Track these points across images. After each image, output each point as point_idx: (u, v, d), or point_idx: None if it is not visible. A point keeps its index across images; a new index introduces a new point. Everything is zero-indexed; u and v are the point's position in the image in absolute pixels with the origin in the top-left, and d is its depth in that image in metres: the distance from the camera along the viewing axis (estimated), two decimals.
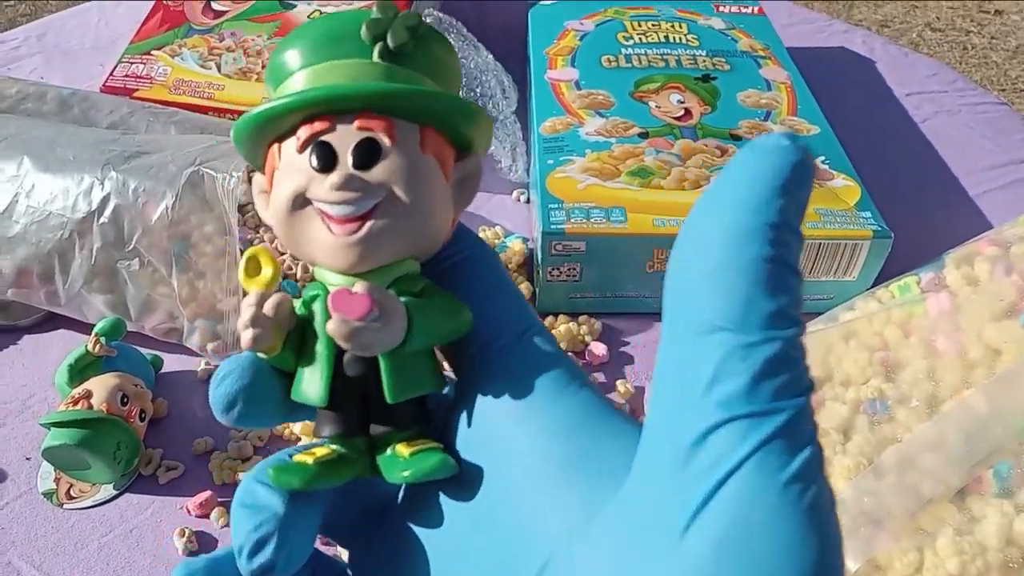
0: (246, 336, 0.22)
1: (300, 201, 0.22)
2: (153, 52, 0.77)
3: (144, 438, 0.55)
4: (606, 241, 0.57)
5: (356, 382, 0.22)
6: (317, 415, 0.24)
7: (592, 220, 0.58)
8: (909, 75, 0.91)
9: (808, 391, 0.17)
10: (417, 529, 0.23)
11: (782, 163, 0.18)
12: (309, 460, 0.22)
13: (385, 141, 0.22)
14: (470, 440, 0.23)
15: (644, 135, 0.65)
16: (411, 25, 0.22)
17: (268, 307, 0.22)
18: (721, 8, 0.85)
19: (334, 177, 0.22)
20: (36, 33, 0.99)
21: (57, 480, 0.54)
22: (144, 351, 0.59)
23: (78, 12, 1.03)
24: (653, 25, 0.81)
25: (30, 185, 0.59)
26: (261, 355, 0.23)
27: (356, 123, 0.22)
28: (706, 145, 0.64)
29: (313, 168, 0.22)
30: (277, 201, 0.23)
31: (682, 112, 0.68)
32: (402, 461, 0.22)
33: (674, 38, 0.79)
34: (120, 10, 1.02)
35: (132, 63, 0.77)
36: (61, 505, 0.53)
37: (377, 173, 0.22)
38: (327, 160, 0.22)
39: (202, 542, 0.51)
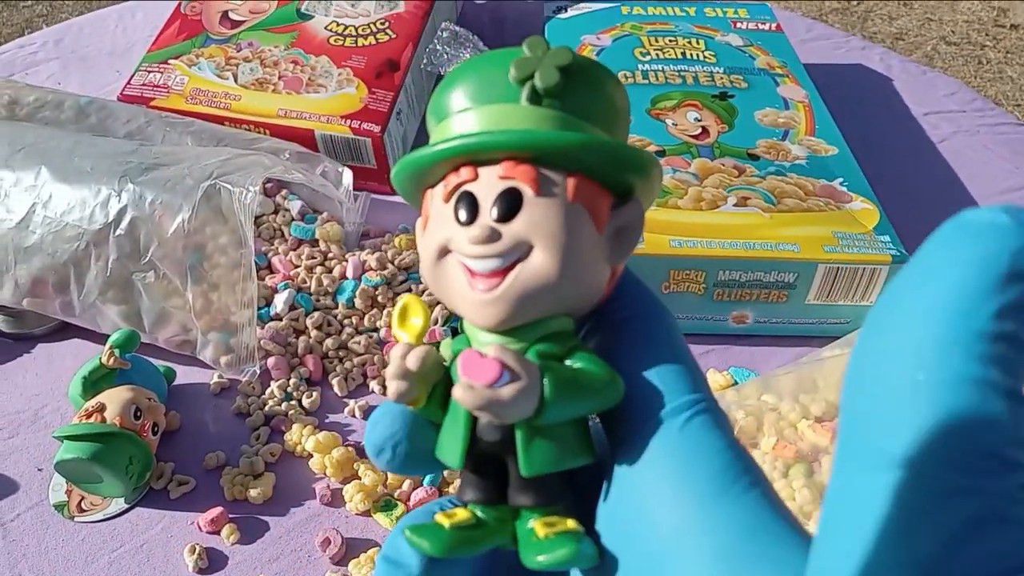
0: (391, 389, 0.21)
1: (444, 252, 0.22)
2: (170, 61, 0.77)
3: (156, 451, 0.54)
4: None
5: (494, 448, 0.21)
6: (461, 476, 0.23)
7: None
8: (927, 94, 0.91)
9: None
10: None
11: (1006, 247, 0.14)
12: (446, 523, 0.21)
13: (528, 191, 0.21)
14: (616, 530, 0.21)
15: (661, 153, 0.65)
16: (562, 64, 0.21)
17: (412, 360, 0.21)
18: (739, 25, 0.85)
19: (475, 230, 0.21)
20: (54, 39, 0.99)
21: (69, 492, 0.54)
22: (157, 363, 0.59)
23: (96, 18, 1.04)
24: (670, 41, 0.81)
25: (47, 195, 0.59)
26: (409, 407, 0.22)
27: (499, 172, 0.21)
28: (723, 164, 0.64)
29: (457, 220, 0.21)
30: (425, 251, 0.22)
31: (699, 130, 0.68)
32: (536, 543, 0.21)
33: (691, 54, 0.79)
34: (138, 16, 1.02)
35: (149, 72, 0.77)
36: (72, 518, 0.53)
37: (517, 226, 0.21)
38: (470, 211, 0.21)
39: (212, 559, 0.51)
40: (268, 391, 0.59)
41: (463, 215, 0.21)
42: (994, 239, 0.14)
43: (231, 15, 0.81)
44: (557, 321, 0.22)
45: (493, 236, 0.21)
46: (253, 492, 0.53)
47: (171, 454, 0.56)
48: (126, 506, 0.53)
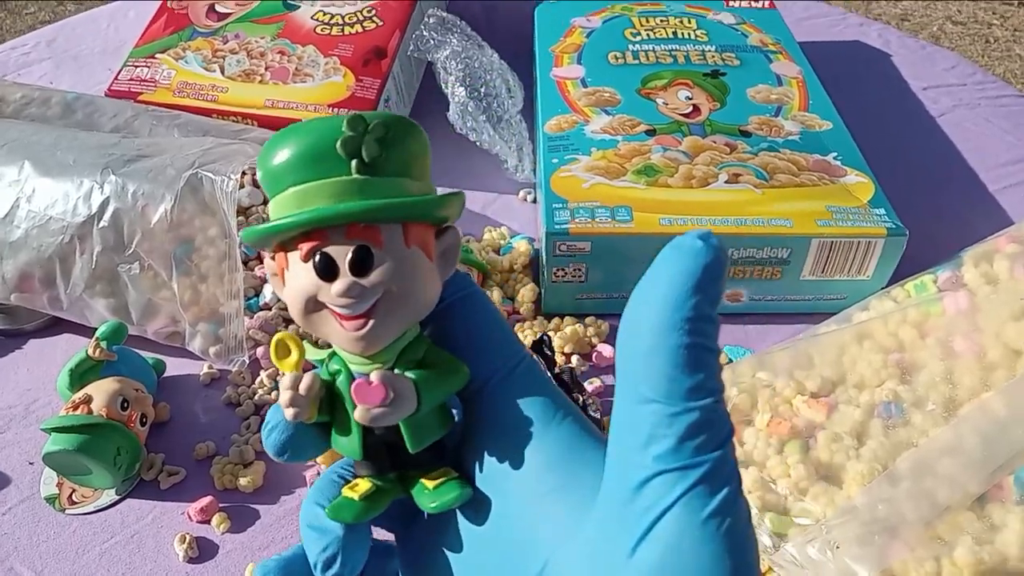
0: (288, 414, 0.26)
1: (312, 303, 0.26)
2: (157, 55, 0.77)
3: (145, 443, 0.54)
4: (611, 241, 0.56)
5: (383, 438, 0.27)
6: (355, 462, 0.29)
7: (597, 220, 0.56)
8: (926, 69, 0.89)
9: (726, 442, 0.22)
10: (440, 539, 0.29)
11: (696, 265, 0.21)
12: (355, 496, 0.27)
13: (374, 247, 0.25)
14: (478, 468, 0.28)
15: (651, 132, 0.64)
16: (380, 137, 0.25)
17: (303, 388, 0.26)
18: (731, 3, 0.84)
19: (338, 285, 0.25)
20: (46, 39, 0.99)
21: (59, 485, 0.54)
22: (147, 355, 0.59)
23: (88, 18, 1.04)
24: (661, 21, 0.80)
25: (31, 190, 0.58)
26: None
27: (346, 234, 0.25)
28: (715, 142, 0.63)
29: (319, 276, 0.25)
30: (292, 301, 0.26)
31: (690, 108, 0.67)
32: (428, 493, 0.27)
33: (683, 34, 0.78)
34: (131, 15, 1.02)
35: (136, 66, 0.77)
36: (63, 510, 0.52)
37: (373, 278, 0.25)
38: (328, 270, 0.25)
39: (203, 548, 0.50)
40: (258, 380, 0.59)
41: (323, 273, 0.25)
42: (692, 258, 0.21)
43: (217, 7, 0.81)
44: (410, 332, 0.27)
45: (354, 289, 0.25)
46: (243, 481, 0.52)
47: (161, 445, 0.56)
48: (117, 497, 0.53)
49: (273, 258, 0.27)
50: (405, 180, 0.25)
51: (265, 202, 0.70)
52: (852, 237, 0.56)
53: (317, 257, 0.25)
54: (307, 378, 0.26)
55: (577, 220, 0.56)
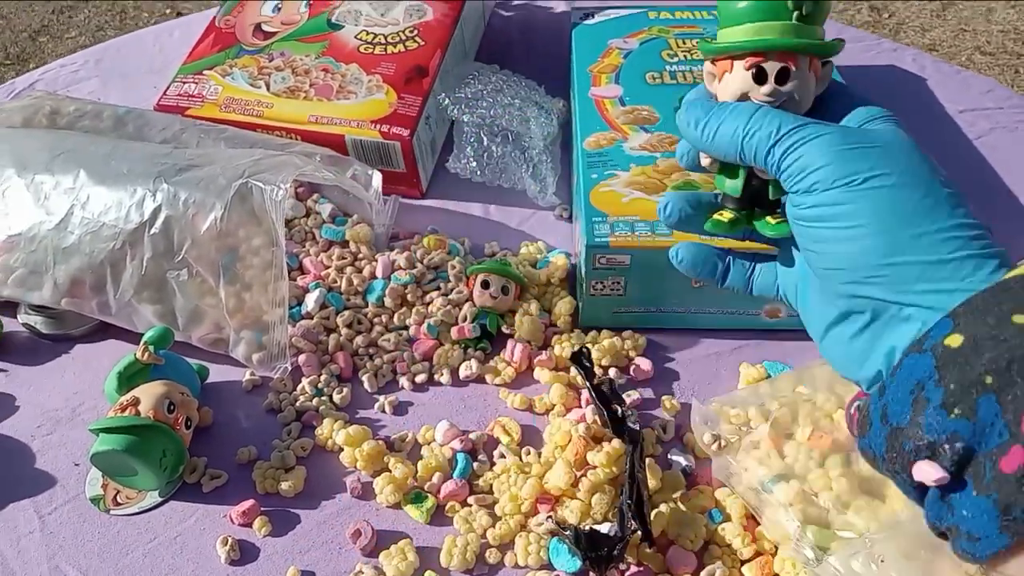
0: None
1: (741, 96, 0.37)
2: (205, 72, 0.79)
3: (189, 446, 0.55)
4: (651, 255, 0.56)
5: (756, 187, 0.38)
6: (727, 198, 0.40)
7: (637, 233, 0.57)
8: (962, 92, 0.89)
9: None
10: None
11: None
12: (725, 219, 0.39)
13: (792, 69, 0.36)
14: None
15: None
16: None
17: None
18: None
19: (766, 88, 0.36)
20: (94, 58, 1.01)
21: (104, 486, 0.55)
22: (191, 361, 0.60)
23: (134, 38, 1.06)
24: (698, 43, 0.81)
25: (85, 197, 0.60)
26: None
27: (778, 59, 0.36)
28: None
29: (753, 81, 0.36)
30: (726, 93, 0.37)
31: None
32: (770, 226, 0.38)
33: None
34: (175, 35, 1.05)
35: (184, 83, 0.78)
36: (108, 511, 0.53)
37: (787, 88, 0.36)
38: (761, 78, 0.36)
39: (244, 551, 0.51)
40: (299, 387, 0.60)
41: (758, 80, 0.36)
42: None
43: (264, 27, 0.83)
44: None
45: (775, 93, 0.36)
46: (284, 485, 0.53)
47: (204, 449, 0.56)
48: (160, 499, 0.54)
49: (714, 63, 0.38)
50: (818, 28, 0.36)
51: (307, 214, 0.71)
52: None
53: (755, 69, 0.36)
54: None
55: (617, 234, 0.57)
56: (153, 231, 0.58)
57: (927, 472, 0.28)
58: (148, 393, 0.53)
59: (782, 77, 0.36)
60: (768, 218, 0.39)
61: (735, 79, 0.37)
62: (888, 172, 0.33)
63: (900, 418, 0.29)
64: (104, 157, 0.62)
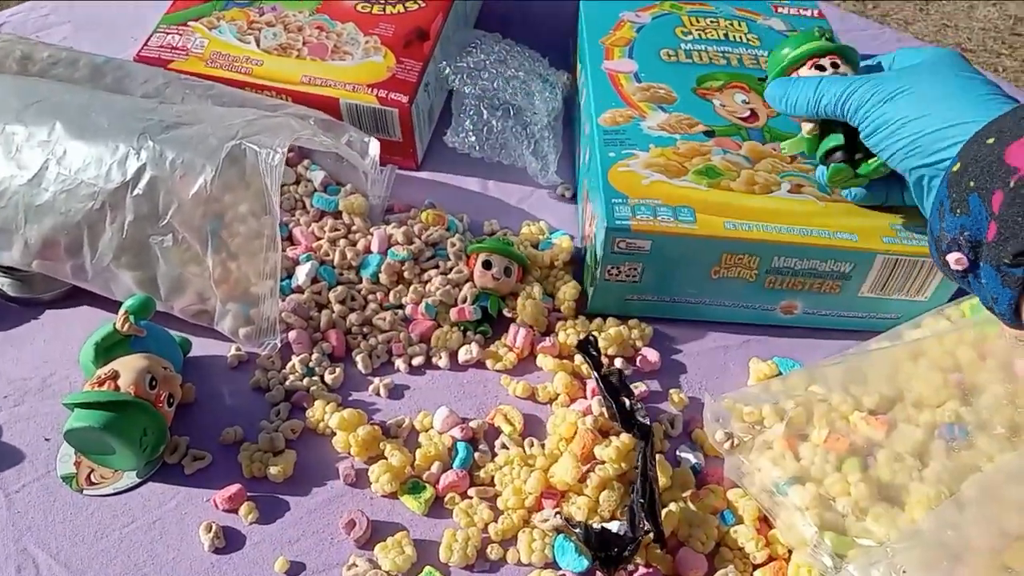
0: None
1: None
2: (190, 23, 0.74)
3: (171, 425, 0.51)
4: (674, 241, 0.54)
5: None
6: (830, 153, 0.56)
7: (659, 218, 0.54)
8: None
9: None
10: None
11: None
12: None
13: (838, 61, 0.56)
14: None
15: (710, 134, 0.62)
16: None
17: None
18: (780, 9, 0.82)
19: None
20: (67, 2, 0.95)
21: (77, 464, 0.51)
22: (172, 333, 0.56)
23: None
24: (712, 22, 0.78)
25: (61, 151, 0.55)
26: None
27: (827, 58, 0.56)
28: (774, 150, 0.61)
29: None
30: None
31: (748, 113, 0.65)
32: (870, 165, 0.54)
33: (734, 36, 0.76)
34: None
35: (168, 33, 0.74)
36: (81, 491, 0.50)
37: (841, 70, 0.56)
38: (821, 69, 0.55)
39: (229, 538, 0.48)
40: (289, 366, 0.56)
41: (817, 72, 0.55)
42: None
43: None
44: None
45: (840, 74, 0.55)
46: (273, 470, 0.50)
47: (186, 428, 0.53)
48: (138, 480, 0.50)
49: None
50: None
51: (297, 181, 0.67)
52: (917, 256, 0.54)
53: (815, 68, 0.56)
54: None
55: (639, 217, 0.54)
56: (136, 192, 0.54)
57: (955, 259, 0.41)
58: (128, 367, 0.49)
59: (834, 67, 0.56)
60: (868, 161, 0.54)
61: (803, 75, 0.57)
62: (908, 87, 0.49)
63: (934, 228, 0.43)
64: (82, 108, 0.57)
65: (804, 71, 0.57)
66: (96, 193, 0.54)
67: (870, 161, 0.54)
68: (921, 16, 2.60)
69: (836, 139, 0.55)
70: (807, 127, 0.57)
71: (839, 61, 0.57)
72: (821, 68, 0.56)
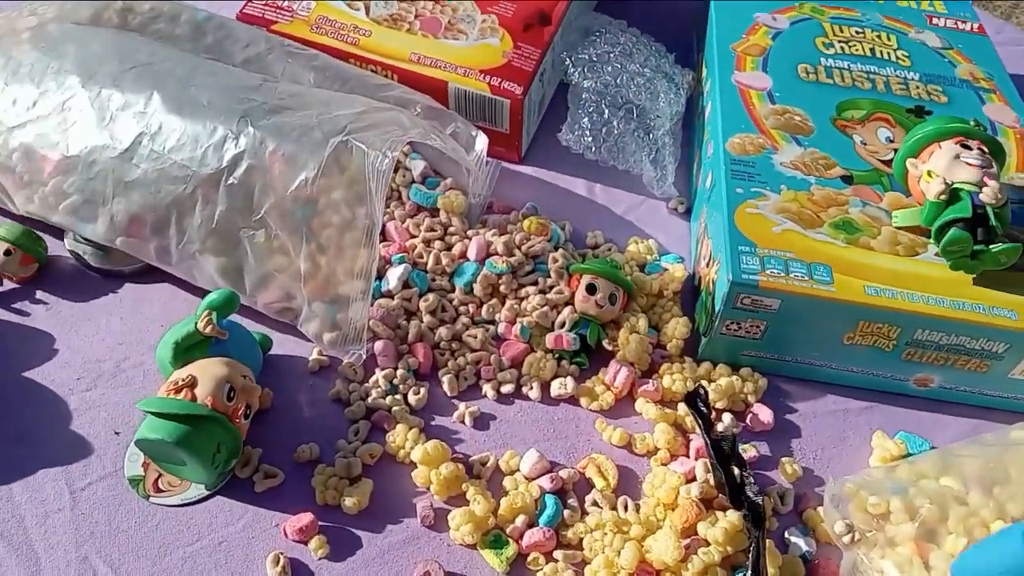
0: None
1: (952, 160, 0.52)
2: None
3: (244, 437, 0.48)
4: (806, 303, 0.48)
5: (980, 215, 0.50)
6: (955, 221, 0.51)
7: (792, 274, 0.49)
8: None
9: None
10: None
11: None
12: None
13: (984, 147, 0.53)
14: None
15: (848, 180, 0.56)
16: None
17: None
18: (935, 21, 0.74)
19: (974, 154, 0.52)
20: None
21: (145, 466, 0.48)
22: (253, 328, 0.53)
23: None
24: (857, 32, 0.70)
25: (156, 126, 0.52)
26: None
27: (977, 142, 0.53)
28: (921, 204, 0.55)
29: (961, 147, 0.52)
30: (940, 163, 0.52)
31: (891, 153, 0.58)
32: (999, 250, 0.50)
33: (882, 53, 0.68)
34: None
35: None
36: (147, 497, 0.47)
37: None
38: (968, 147, 0.52)
39: (296, 573, 0.45)
40: (372, 380, 0.53)
41: (964, 147, 0.52)
42: None
43: None
44: None
45: (981, 158, 0.51)
46: (348, 501, 0.47)
47: (259, 438, 0.50)
48: (206, 492, 0.48)
49: (917, 156, 0.53)
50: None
51: (396, 169, 0.63)
52: None
53: (960, 145, 0.52)
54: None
55: (768, 271, 0.49)
56: (231, 181, 0.50)
57: None
58: (207, 374, 0.46)
59: (982, 154, 0.52)
60: (992, 246, 0.49)
61: (945, 152, 0.52)
62: None
63: None
64: (182, 81, 0.53)
65: (948, 144, 0.52)
66: (189, 176, 0.51)
67: (994, 247, 0.49)
68: None
69: (962, 210, 0.50)
70: (936, 190, 0.51)
71: (986, 149, 0.53)
72: (967, 148, 0.52)
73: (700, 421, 0.49)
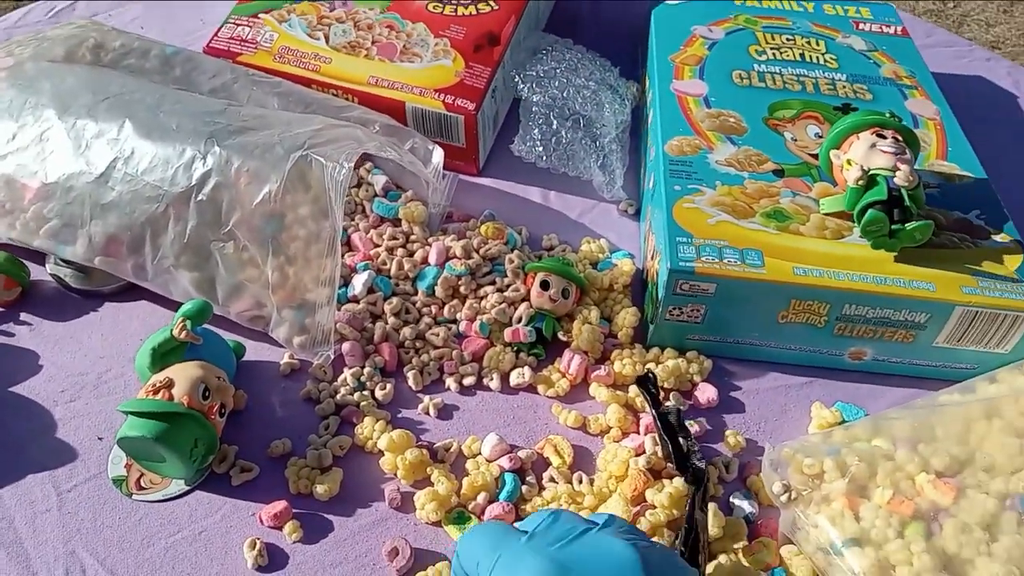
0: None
1: (869, 149, 0.55)
2: (260, 15, 0.74)
3: (220, 434, 0.51)
4: (740, 285, 0.52)
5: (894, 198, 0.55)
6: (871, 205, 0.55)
7: (725, 260, 0.52)
8: None
9: None
10: None
11: None
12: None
13: (901, 136, 0.58)
14: None
15: (779, 173, 0.60)
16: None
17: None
18: (861, 26, 0.79)
19: (888, 142, 0.56)
20: None
21: (128, 467, 0.51)
22: (227, 336, 0.56)
23: None
24: (788, 40, 0.75)
25: (129, 150, 0.56)
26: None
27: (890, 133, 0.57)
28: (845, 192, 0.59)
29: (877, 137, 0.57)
30: (858, 153, 0.56)
31: (819, 148, 0.62)
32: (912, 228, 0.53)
33: (811, 57, 0.73)
34: None
35: (238, 25, 0.73)
36: (130, 495, 0.50)
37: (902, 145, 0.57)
38: (882, 137, 0.57)
39: (272, 556, 0.48)
40: (340, 378, 0.56)
41: (879, 138, 0.57)
42: None
43: None
44: None
45: (895, 145, 0.56)
46: (320, 488, 0.50)
47: (235, 436, 0.53)
48: (186, 488, 0.50)
49: (839, 147, 0.58)
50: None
51: (359, 185, 0.67)
52: (999, 309, 0.52)
53: (876, 134, 0.56)
54: None
55: (704, 259, 0.52)
56: (200, 197, 0.54)
57: None
58: (183, 376, 0.49)
59: (897, 143, 0.56)
60: (908, 224, 0.53)
61: (862, 142, 0.57)
62: None
63: None
64: (152, 108, 0.57)
65: (865, 135, 0.57)
66: (161, 196, 0.54)
67: (908, 225, 0.53)
68: (1004, 18, 2.50)
69: (878, 193, 0.54)
70: (854, 176, 0.55)
71: (900, 137, 0.57)
72: (882, 137, 0.56)
73: (649, 398, 0.52)
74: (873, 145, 0.56)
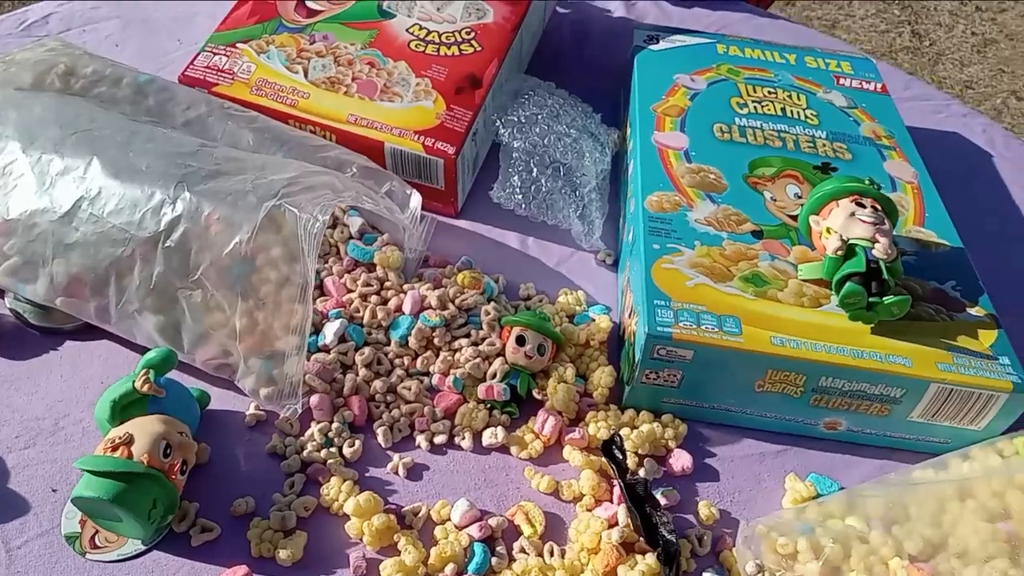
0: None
1: (848, 218, 0.56)
2: (238, 45, 0.72)
3: (181, 492, 0.50)
4: (717, 353, 0.52)
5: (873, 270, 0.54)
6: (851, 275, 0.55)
7: (703, 327, 0.52)
8: None
9: None
10: None
11: None
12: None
13: (880, 205, 0.58)
14: None
15: (758, 234, 0.60)
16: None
17: None
18: (842, 81, 0.79)
19: (867, 211, 0.56)
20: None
21: (82, 523, 0.49)
22: (191, 384, 0.55)
23: None
24: (769, 92, 0.75)
25: (96, 190, 0.54)
26: None
27: (869, 201, 0.58)
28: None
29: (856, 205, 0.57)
30: (837, 221, 0.57)
31: (799, 209, 0.62)
32: (891, 301, 0.53)
33: (792, 112, 0.73)
34: None
35: (215, 54, 0.71)
36: (84, 554, 0.48)
37: (880, 214, 0.58)
38: (861, 205, 0.57)
39: None
40: (308, 433, 0.54)
41: (859, 207, 0.56)
42: None
43: (308, 3, 0.76)
44: None
45: (874, 215, 0.55)
46: (282, 553, 0.48)
47: (196, 492, 0.51)
48: (143, 548, 0.49)
49: (819, 213, 0.58)
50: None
51: (334, 226, 0.65)
52: (974, 388, 0.52)
53: (856, 203, 0.56)
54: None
55: (681, 324, 0.52)
56: (168, 243, 0.52)
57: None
58: (144, 431, 0.47)
59: (876, 211, 0.56)
60: (885, 298, 0.53)
61: (842, 210, 0.57)
62: None
63: None
64: (122, 146, 0.55)
65: (845, 202, 0.57)
66: (127, 239, 0.53)
67: (886, 299, 0.53)
68: (978, 58, 2.55)
69: (857, 265, 0.54)
70: (833, 246, 0.55)
71: (879, 207, 0.57)
72: (862, 206, 0.56)
73: (615, 467, 0.51)
74: (852, 214, 0.56)
